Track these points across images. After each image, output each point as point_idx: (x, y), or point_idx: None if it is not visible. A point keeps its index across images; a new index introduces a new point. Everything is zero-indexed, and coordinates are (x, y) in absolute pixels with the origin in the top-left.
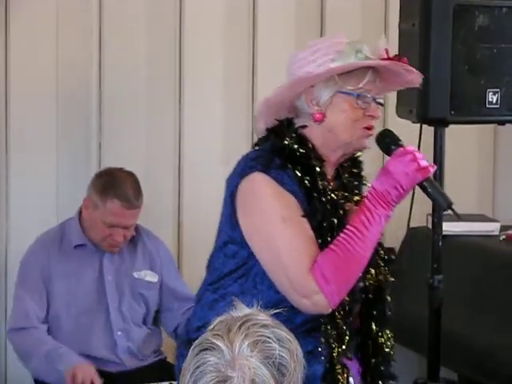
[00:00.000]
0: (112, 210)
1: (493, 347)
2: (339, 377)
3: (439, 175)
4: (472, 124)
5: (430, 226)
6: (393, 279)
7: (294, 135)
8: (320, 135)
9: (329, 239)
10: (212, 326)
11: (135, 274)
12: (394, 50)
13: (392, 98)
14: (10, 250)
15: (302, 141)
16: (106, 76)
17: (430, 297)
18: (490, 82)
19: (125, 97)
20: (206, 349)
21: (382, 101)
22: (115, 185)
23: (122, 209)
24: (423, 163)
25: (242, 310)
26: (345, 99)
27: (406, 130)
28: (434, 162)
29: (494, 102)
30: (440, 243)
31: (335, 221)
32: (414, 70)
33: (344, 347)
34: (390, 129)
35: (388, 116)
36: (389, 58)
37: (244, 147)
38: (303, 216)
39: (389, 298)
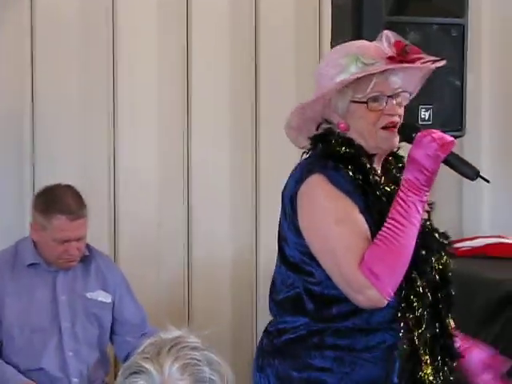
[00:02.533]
0: (59, 225)
1: None
2: (422, 358)
3: None
4: (405, 142)
5: None
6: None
7: (339, 139)
8: (358, 137)
9: None
10: (141, 349)
11: (88, 295)
12: None
13: None
14: None
15: (348, 142)
16: (38, 93)
17: None
18: (422, 99)
19: (58, 112)
20: (136, 372)
21: (405, 95)
22: (55, 200)
23: (67, 222)
24: (442, 141)
25: (171, 332)
26: (358, 107)
27: None
28: None
29: (427, 118)
30: None
31: None
32: (421, 64)
33: (423, 329)
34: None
35: None
36: (392, 57)
37: (179, 160)
38: (361, 212)
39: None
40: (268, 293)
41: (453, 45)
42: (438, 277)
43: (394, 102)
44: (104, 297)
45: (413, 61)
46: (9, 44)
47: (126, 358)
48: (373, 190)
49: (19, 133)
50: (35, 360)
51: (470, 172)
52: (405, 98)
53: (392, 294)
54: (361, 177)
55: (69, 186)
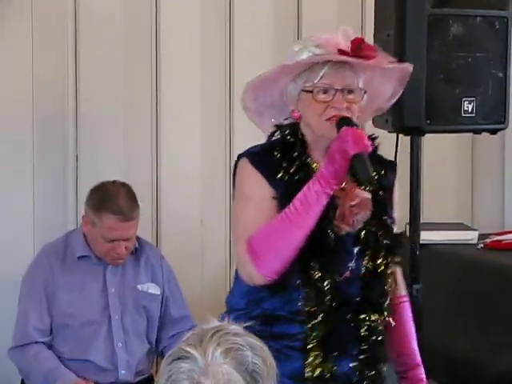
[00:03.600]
0: (108, 225)
1: (471, 354)
2: (312, 352)
3: (416, 184)
4: (447, 133)
5: (408, 234)
6: (396, 264)
7: (287, 128)
8: (304, 128)
9: None
10: (185, 338)
11: (139, 287)
12: None
13: None
14: None
15: (295, 132)
16: (82, 89)
17: None
18: (465, 91)
19: (102, 109)
20: (179, 358)
21: (360, 92)
22: (108, 199)
23: (118, 222)
24: (356, 139)
25: (213, 323)
26: (307, 96)
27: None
28: (411, 171)
29: (470, 110)
30: (418, 252)
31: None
32: (374, 63)
33: (317, 322)
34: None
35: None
36: (343, 51)
37: (221, 157)
38: (277, 197)
39: (388, 282)
40: None
41: (496, 37)
42: (368, 278)
43: (342, 96)
44: (154, 289)
45: (366, 57)
46: (52, 43)
47: (162, 352)
48: (296, 178)
49: (63, 133)
50: (84, 351)
51: (364, 176)
52: (359, 95)
53: (272, 274)
54: (290, 165)
55: (124, 185)
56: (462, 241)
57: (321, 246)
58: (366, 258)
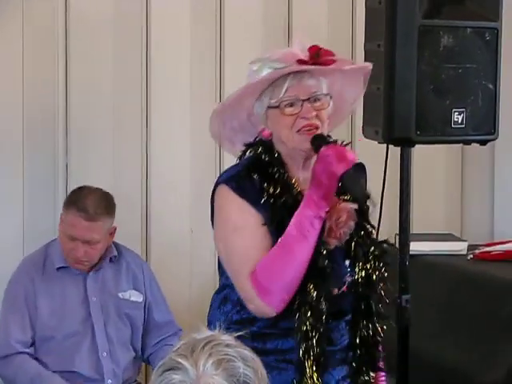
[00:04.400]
0: (71, 221)
1: (460, 365)
2: (306, 370)
3: (406, 194)
4: (437, 144)
5: (397, 245)
6: (385, 273)
7: (261, 147)
8: (278, 143)
9: None
10: (176, 348)
11: (120, 295)
12: None
13: (359, 119)
14: None
15: (269, 150)
16: (72, 95)
17: (397, 316)
18: (455, 102)
19: (91, 115)
20: (171, 368)
21: (325, 98)
22: (78, 198)
23: (78, 219)
24: (339, 158)
25: (204, 332)
26: (274, 112)
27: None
28: (401, 182)
29: (460, 121)
30: (407, 263)
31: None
32: (333, 65)
33: (312, 342)
34: (357, 148)
35: (355, 136)
36: (302, 60)
37: (211, 166)
38: (266, 223)
39: (381, 292)
40: None
41: (486, 48)
42: (360, 288)
43: (309, 105)
44: (136, 296)
45: (326, 63)
46: (43, 45)
47: (148, 358)
48: (274, 201)
49: (53, 141)
50: (69, 362)
51: (359, 194)
52: (326, 101)
53: (281, 304)
54: (271, 187)
55: (99, 190)
56: (451, 251)
57: (315, 264)
58: (358, 269)
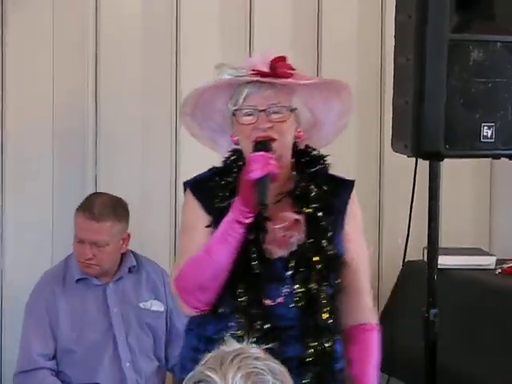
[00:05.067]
0: (78, 222)
1: (488, 380)
2: None
3: (434, 208)
4: (466, 158)
5: (426, 259)
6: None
7: (238, 153)
8: (243, 151)
9: None
10: (204, 361)
11: (141, 305)
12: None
13: (387, 133)
14: (5, 283)
15: (239, 156)
16: (102, 107)
17: (425, 331)
18: (484, 116)
19: (120, 127)
20: (200, 381)
21: (282, 110)
22: (86, 201)
23: (84, 219)
24: (259, 165)
25: (233, 345)
26: (235, 120)
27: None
28: (430, 196)
29: (489, 136)
30: (435, 277)
31: None
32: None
33: None
34: (385, 162)
35: (384, 150)
36: (258, 71)
37: None
38: (208, 226)
39: (327, 307)
40: None
41: None
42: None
43: (266, 116)
44: (157, 306)
45: (282, 75)
46: (73, 54)
47: (173, 368)
48: (228, 203)
49: (82, 154)
50: (92, 374)
51: (257, 200)
52: (287, 114)
53: (197, 304)
54: (226, 191)
55: (109, 195)
56: (479, 266)
57: (245, 270)
58: (298, 282)
